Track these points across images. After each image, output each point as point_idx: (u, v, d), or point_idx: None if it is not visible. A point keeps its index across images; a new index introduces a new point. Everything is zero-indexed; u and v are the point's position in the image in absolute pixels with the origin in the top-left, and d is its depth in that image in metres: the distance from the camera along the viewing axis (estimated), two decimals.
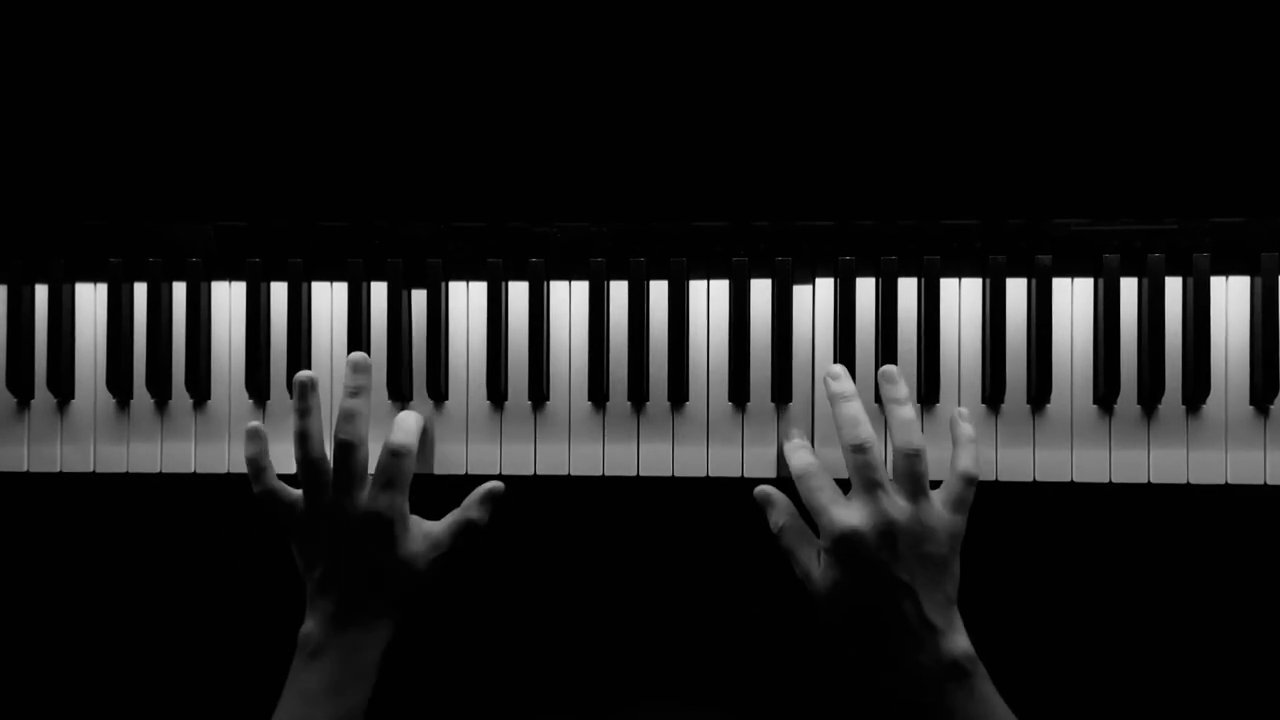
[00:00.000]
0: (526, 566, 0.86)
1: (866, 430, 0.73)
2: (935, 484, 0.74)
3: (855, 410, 0.74)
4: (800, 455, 0.76)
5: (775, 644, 0.85)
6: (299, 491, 0.76)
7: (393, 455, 0.75)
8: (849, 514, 0.71)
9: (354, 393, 0.76)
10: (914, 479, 0.72)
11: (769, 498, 0.76)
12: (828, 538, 0.71)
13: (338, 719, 0.72)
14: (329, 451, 0.76)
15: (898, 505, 0.71)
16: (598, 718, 0.85)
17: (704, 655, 0.85)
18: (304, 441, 0.75)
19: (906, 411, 0.73)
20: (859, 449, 0.72)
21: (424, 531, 0.76)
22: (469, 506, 0.78)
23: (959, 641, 0.70)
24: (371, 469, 0.76)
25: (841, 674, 0.84)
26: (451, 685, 0.86)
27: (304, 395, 0.75)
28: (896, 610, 0.70)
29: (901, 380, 0.75)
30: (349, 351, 0.80)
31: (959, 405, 0.79)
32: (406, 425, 0.77)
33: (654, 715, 0.85)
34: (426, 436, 0.80)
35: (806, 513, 0.74)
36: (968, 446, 0.75)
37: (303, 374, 0.76)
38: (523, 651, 0.86)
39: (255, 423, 0.78)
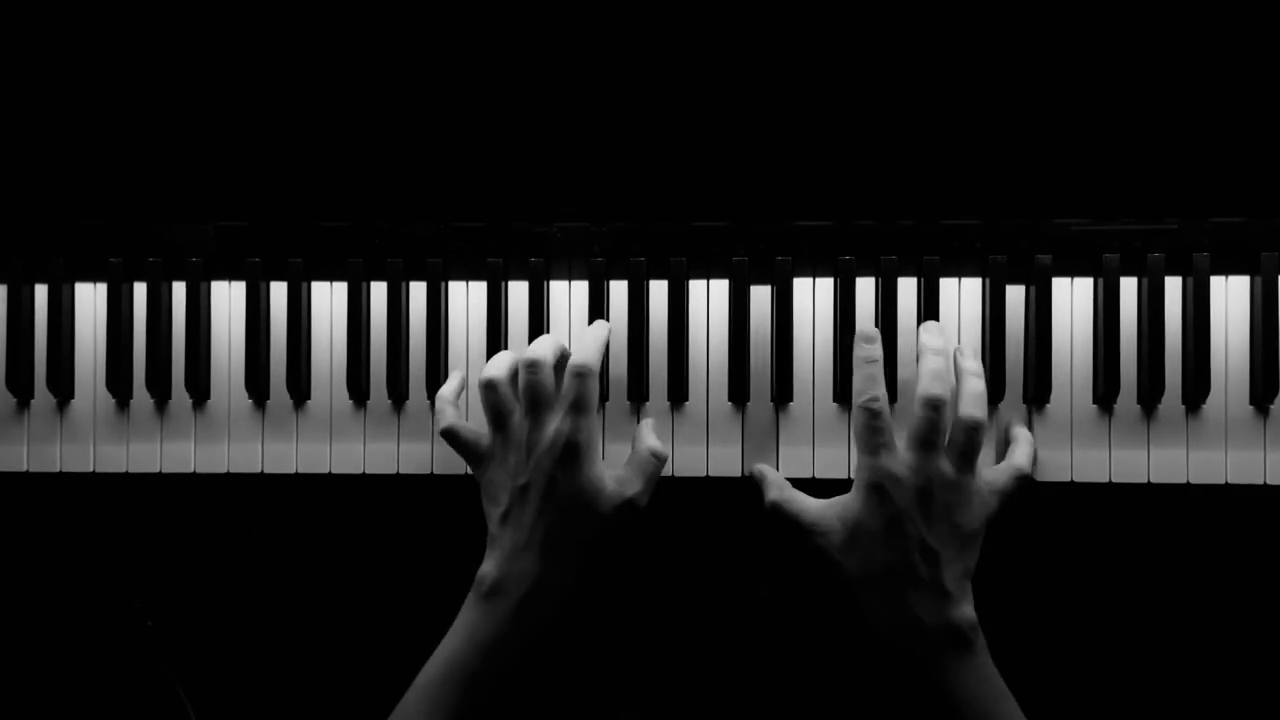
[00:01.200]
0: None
1: (944, 389, 0.71)
2: None
3: (940, 366, 0.72)
4: (873, 380, 0.72)
5: (775, 643, 0.85)
6: (480, 429, 0.75)
7: (577, 376, 0.72)
8: (895, 462, 0.70)
9: (543, 338, 0.75)
10: (968, 450, 0.71)
11: (761, 474, 0.76)
12: (866, 477, 0.70)
13: (499, 667, 0.70)
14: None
15: (944, 470, 0.70)
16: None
17: (703, 655, 0.85)
18: (493, 367, 0.74)
19: (979, 385, 0.73)
20: (933, 405, 0.70)
21: (613, 475, 0.73)
22: (643, 438, 0.75)
23: (966, 610, 0.70)
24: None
25: (842, 673, 0.84)
26: None
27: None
28: (913, 568, 0.69)
29: (978, 356, 0.76)
30: (348, 351, 0.80)
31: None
32: (590, 344, 0.74)
33: None
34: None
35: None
36: (1025, 445, 0.75)
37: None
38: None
39: (458, 371, 0.79)
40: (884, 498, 0.70)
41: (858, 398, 0.72)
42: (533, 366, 0.72)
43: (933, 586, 0.69)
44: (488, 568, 0.72)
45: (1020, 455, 0.75)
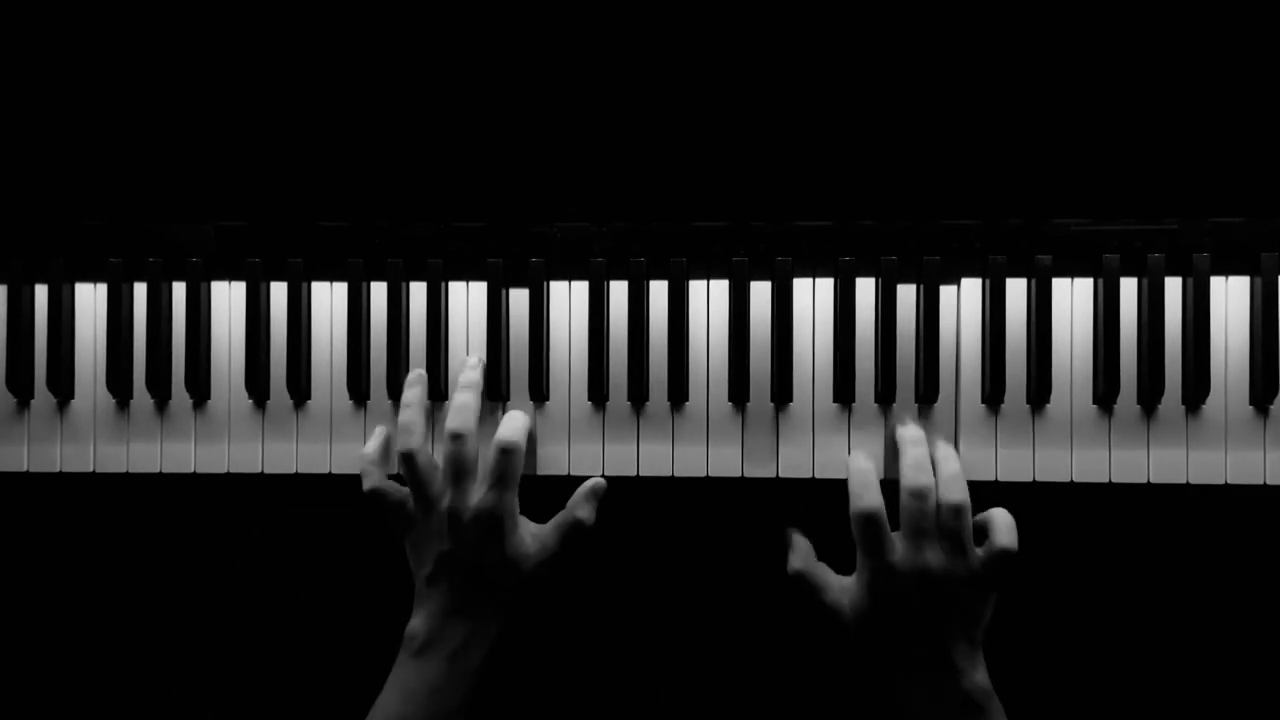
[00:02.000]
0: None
1: (929, 478, 0.73)
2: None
3: (921, 457, 0.74)
4: (870, 488, 0.74)
5: (775, 643, 0.85)
6: (406, 489, 0.76)
7: (503, 452, 0.74)
8: (895, 556, 0.72)
9: (466, 386, 0.76)
10: (956, 534, 0.72)
11: (791, 541, 0.77)
12: (867, 570, 0.72)
13: (436, 718, 0.72)
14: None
15: (938, 558, 0.72)
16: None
17: (702, 654, 0.85)
18: (408, 437, 0.76)
19: (955, 466, 0.74)
20: (918, 494, 0.72)
21: (531, 533, 0.76)
22: (574, 506, 0.77)
23: (977, 678, 0.71)
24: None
25: (846, 688, 0.84)
26: None
27: (412, 386, 0.78)
28: (920, 648, 0.72)
29: (950, 444, 0.77)
30: (348, 351, 0.80)
31: (957, 405, 0.79)
32: (514, 423, 0.76)
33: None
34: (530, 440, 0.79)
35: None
36: (1002, 518, 0.74)
37: (415, 371, 0.78)
38: (523, 646, 0.86)
39: (382, 427, 0.80)
40: (886, 591, 0.72)
41: (855, 504, 0.73)
42: (457, 438, 0.74)
43: (942, 662, 0.71)
44: (417, 625, 0.74)
45: (1000, 535, 0.73)
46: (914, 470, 0.73)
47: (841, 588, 0.74)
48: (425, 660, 0.73)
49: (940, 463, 0.75)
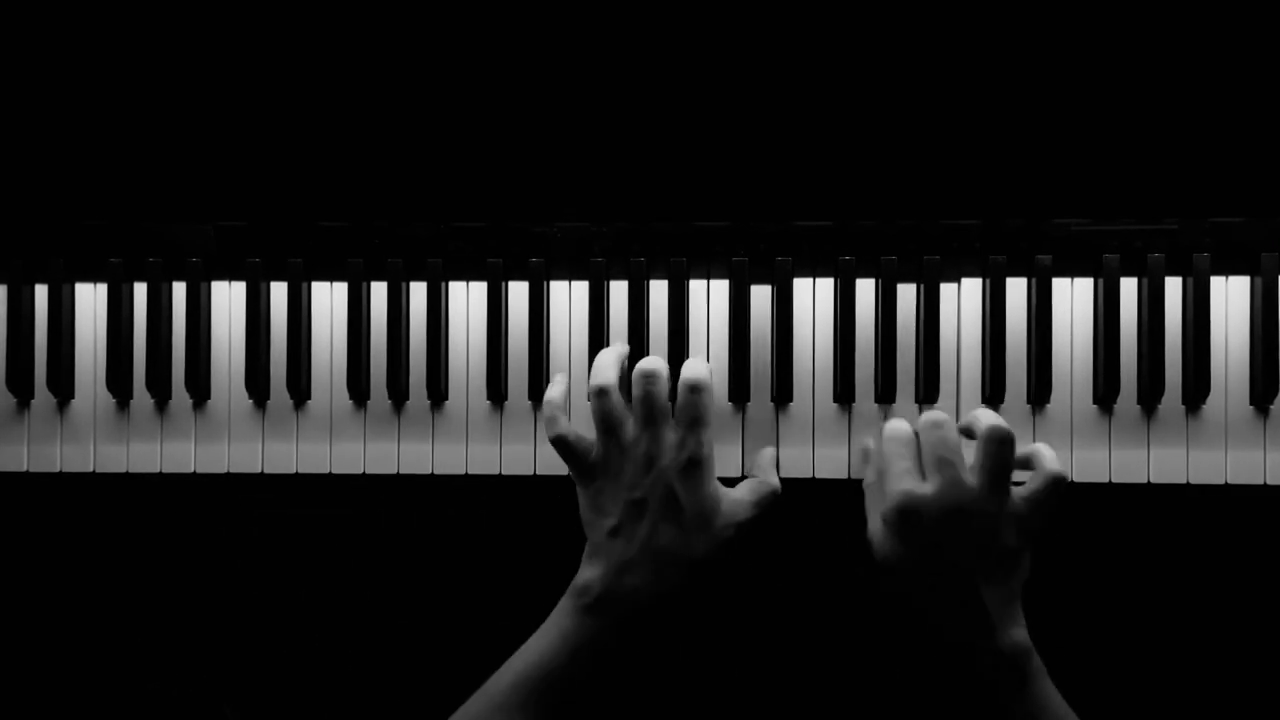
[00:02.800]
0: (525, 566, 0.86)
1: (944, 414, 0.69)
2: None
3: (940, 418, 0.70)
4: (897, 422, 0.71)
5: (776, 643, 0.85)
6: (591, 438, 0.73)
7: (691, 391, 0.71)
8: (915, 486, 0.68)
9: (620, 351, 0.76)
10: (999, 468, 0.67)
11: (868, 453, 0.74)
12: (892, 505, 0.68)
13: (596, 682, 0.68)
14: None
15: (969, 488, 0.67)
16: None
17: (707, 656, 0.85)
18: (603, 373, 0.72)
19: (990, 412, 0.71)
20: (935, 425, 0.69)
21: (725, 492, 0.72)
22: (764, 472, 0.75)
23: (1016, 635, 0.66)
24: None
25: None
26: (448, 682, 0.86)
27: (614, 342, 0.77)
28: (951, 595, 0.67)
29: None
30: (348, 351, 0.80)
31: (958, 405, 0.79)
32: (697, 363, 0.73)
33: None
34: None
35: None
36: (1047, 453, 0.71)
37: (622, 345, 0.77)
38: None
39: (562, 374, 0.78)
40: (912, 525, 0.67)
41: (926, 417, 0.69)
42: (650, 378, 0.71)
43: (973, 612, 0.66)
44: (591, 578, 0.70)
45: (1047, 461, 0.70)
46: (929, 416, 0.69)
47: (876, 520, 0.69)
48: (596, 617, 0.69)
49: (978, 413, 0.71)
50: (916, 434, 0.70)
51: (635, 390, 0.72)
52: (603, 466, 0.72)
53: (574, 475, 0.74)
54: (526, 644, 0.70)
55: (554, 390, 0.76)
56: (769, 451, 0.77)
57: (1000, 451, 0.67)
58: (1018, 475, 0.70)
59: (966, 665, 0.67)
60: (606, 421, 0.72)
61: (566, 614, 0.70)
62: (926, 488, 0.67)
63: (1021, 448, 0.71)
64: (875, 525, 0.69)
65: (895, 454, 0.69)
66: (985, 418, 0.69)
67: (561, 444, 0.73)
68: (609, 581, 0.69)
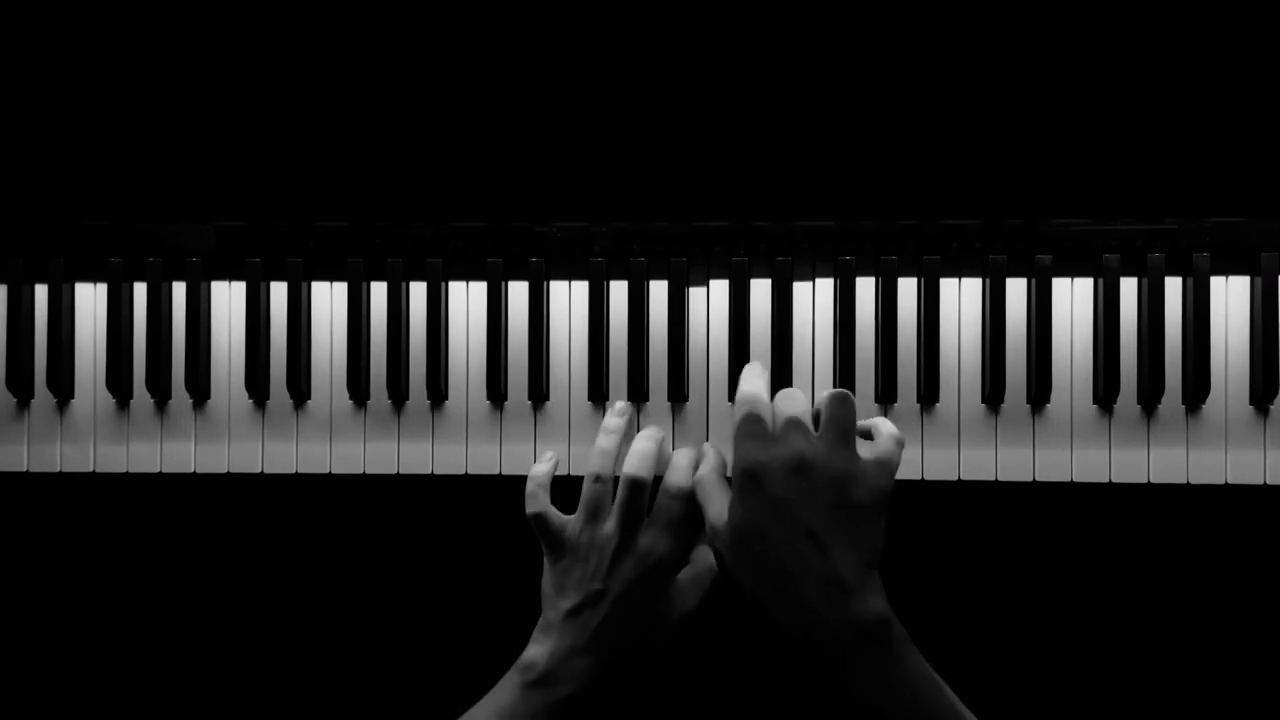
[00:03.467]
0: (525, 565, 0.86)
1: (795, 389, 0.73)
2: None
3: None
4: (752, 379, 0.73)
5: (773, 643, 0.85)
6: (569, 517, 0.75)
7: (672, 499, 0.73)
8: (763, 446, 0.69)
9: (650, 437, 0.76)
10: (839, 422, 0.69)
11: (704, 452, 0.75)
12: (739, 466, 0.69)
13: None
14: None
15: (815, 446, 0.68)
16: None
17: (701, 652, 0.85)
18: (602, 461, 0.74)
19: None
20: (786, 396, 0.71)
21: (677, 587, 0.74)
22: (704, 553, 0.75)
23: (871, 603, 0.65)
24: None
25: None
26: (448, 679, 0.86)
27: (620, 416, 0.77)
28: (801, 559, 0.66)
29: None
30: (348, 351, 0.80)
31: (958, 405, 0.79)
32: (681, 466, 0.74)
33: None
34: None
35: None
36: (884, 423, 0.72)
37: (621, 403, 0.78)
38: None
39: (552, 452, 0.79)
40: (758, 484, 0.67)
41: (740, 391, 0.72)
42: (636, 487, 0.73)
43: (826, 577, 0.65)
44: (538, 655, 0.71)
45: (885, 425, 0.72)
46: (782, 390, 0.72)
47: (720, 505, 0.70)
48: (538, 693, 0.70)
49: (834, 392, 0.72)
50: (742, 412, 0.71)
51: (620, 492, 0.73)
52: (573, 548, 0.74)
53: (545, 550, 0.75)
54: (468, 714, 0.72)
55: (540, 467, 0.77)
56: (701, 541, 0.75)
57: (841, 409, 0.69)
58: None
59: (824, 634, 0.65)
60: (594, 507, 0.74)
61: (509, 689, 0.72)
62: (773, 448, 0.68)
63: (863, 422, 0.73)
64: (717, 509, 0.70)
65: (750, 421, 0.70)
66: (829, 391, 0.71)
67: (539, 521, 0.75)
68: (556, 662, 0.71)
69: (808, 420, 0.70)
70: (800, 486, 0.67)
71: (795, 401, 0.71)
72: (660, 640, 0.73)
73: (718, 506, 0.70)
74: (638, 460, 0.74)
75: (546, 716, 0.70)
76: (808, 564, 0.66)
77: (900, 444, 0.71)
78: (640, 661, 0.73)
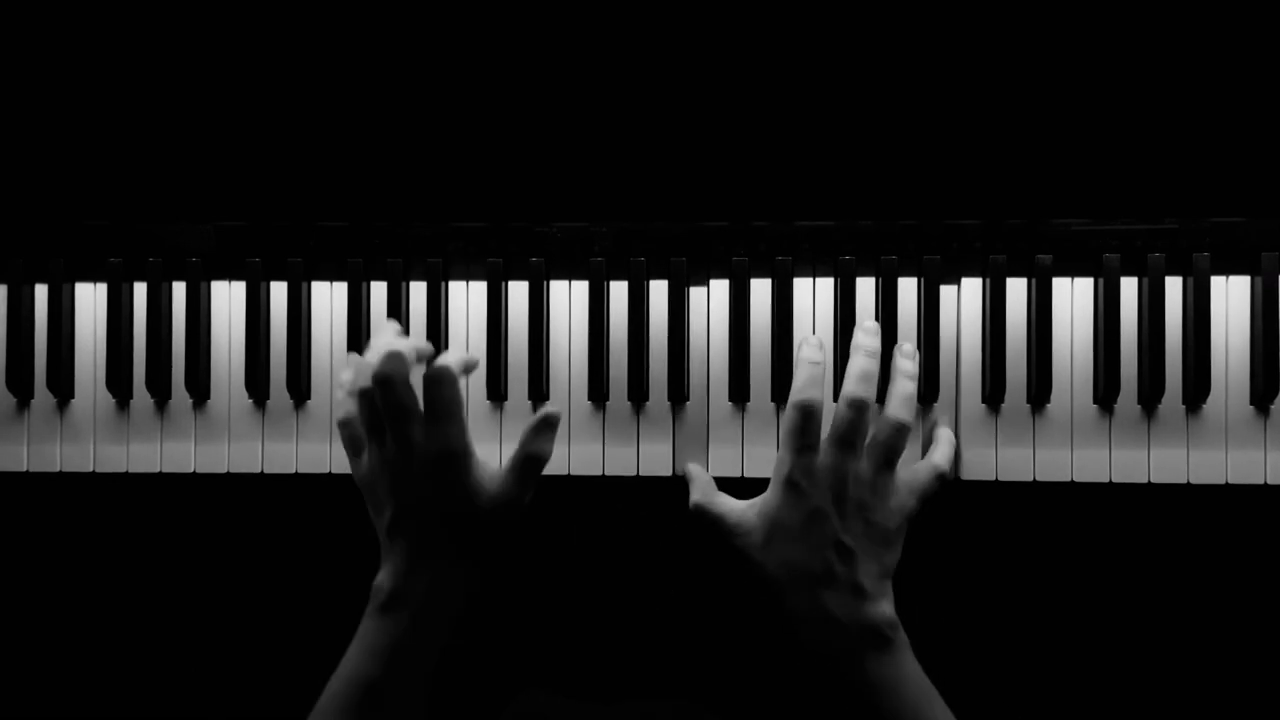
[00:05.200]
0: (525, 565, 0.86)
1: (870, 392, 0.72)
2: None
3: (870, 368, 0.72)
4: (813, 380, 0.73)
5: (772, 635, 0.85)
6: (363, 433, 0.72)
7: (430, 384, 0.70)
8: (816, 460, 0.71)
9: (388, 337, 0.74)
10: (889, 451, 0.71)
11: (689, 474, 0.76)
12: (783, 474, 0.71)
13: (402, 676, 0.69)
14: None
15: (861, 469, 0.71)
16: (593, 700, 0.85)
17: (702, 653, 0.85)
18: (360, 377, 0.71)
19: (911, 387, 0.73)
20: (855, 404, 0.71)
21: (489, 473, 0.72)
22: (526, 440, 0.72)
23: (883, 607, 0.69)
24: None
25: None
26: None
27: (382, 335, 0.74)
28: (828, 566, 0.69)
29: (915, 360, 0.75)
30: (348, 350, 0.80)
31: (957, 405, 0.79)
32: (446, 355, 0.72)
33: (650, 706, 0.85)
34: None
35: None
36: (946, 446, 0.76)
37: (389, 324, 0.76)
38: (520, 640, 0.86)
39: (354, 353, 0.76)
40: (800, 494, 0.70)
41: (794, 395, 0.72)
42: (385, 383, 0.69)
43: (849, 584, 0.69)
44: (382, 579, 0.70)
45: (940, 455, 0.75)
46: (857, 381, 0.72)
47: (745, 506, 0.72)
48: (390, 616, 0.69)
49: (896, 378, 0.74)
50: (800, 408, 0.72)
51: (376, 397, 0.70)
52: (372, 465, 0.72)
53: (354, 474, 0.73)
54: (342, 659, 0.70)
55: (346, 374, 0.74)
56: (543, 413, 0.72)
57: (893, 438, 0.71)
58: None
59: (835, 634, 0.68)
60: (370, 423, 0.71)
61: (367, 617, 0.70)
62: (820, 462, 0.70)
63: (939, 428, 0.77)
64: (742, 514, 0.72)
65: (802, 429, 0.71)
66: (894, 403, 0.72)
67: (345, 426, 0.73)
68: (397, 580, 0.70)
69: (862, 443, 0.71)
70: (838, 503, 0.70)
71: (857, 425, 0.71)
72: (484, 531, 0.71)
73: (736, 512, 0.73)
74: (383, 361, 0.70)
75: (406, 637, 0.69)
76: (833, 572, 0.69)
77: (941, 478, 0.73)
78: (481, 556, 0.71)
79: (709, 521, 0.73)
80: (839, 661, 0.68)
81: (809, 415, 0.71)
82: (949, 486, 0.75)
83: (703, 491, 0.75)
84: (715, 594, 0.85)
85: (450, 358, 0.72)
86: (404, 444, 0.70)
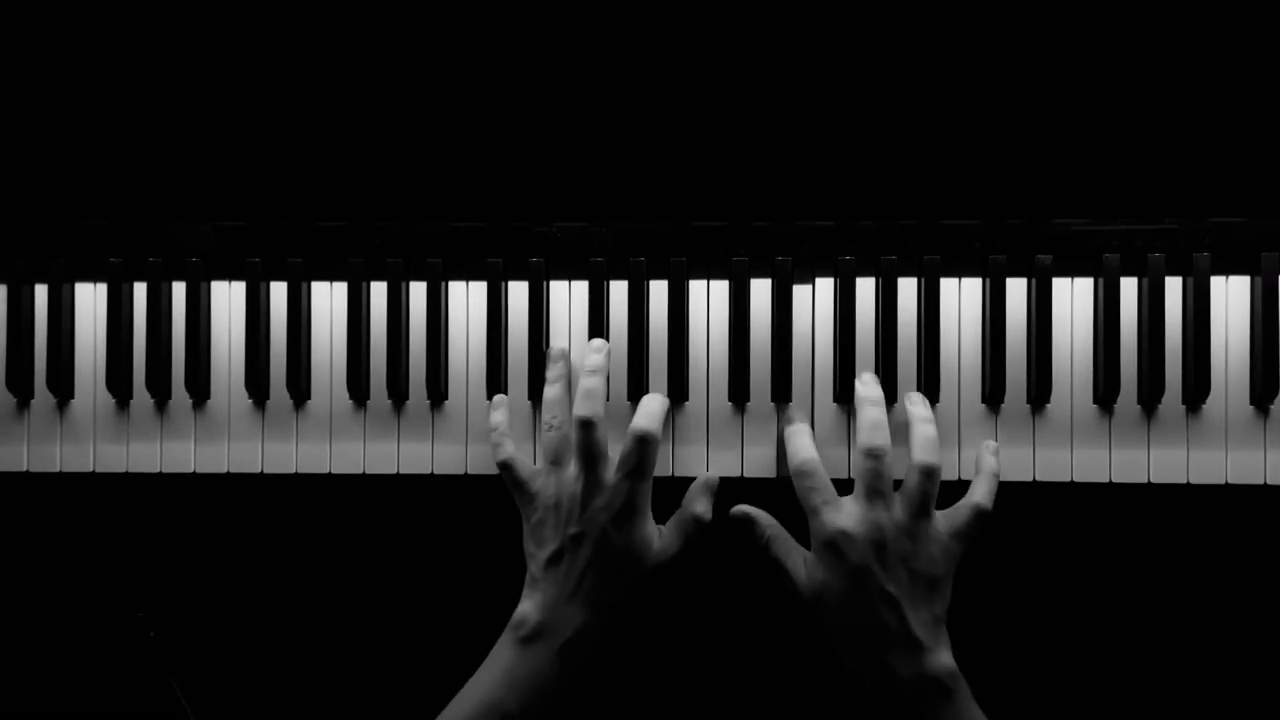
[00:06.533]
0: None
1: (884, 438, 0.73)
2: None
3: (879, 416, 0.74)
4: (801, 445, 0.75)
5: (774, 644, 0.85)
6: (538, 465, 0.76)
7: (639, 441, 0.73)
8: (842, 517, 0.71)
9: (594, 371, 0.76)
10: (922, 496, 0.72)
11: (748, 515, 0.76)
12: (818, 538, 0.72)
13: (535, 709, 0.70)
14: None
15: (895, 517, 0.71)
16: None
17: (701, 653, 0.85)
18: (552, 410, 0.75)
19: (931, 430, 0.74)
20: (872, 454, 0.72)
21: (655, 529, 0.75)
22: (691, 501, 0.76)
23: (942, 658, 0.70)
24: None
25: (828, 686, 0.84)
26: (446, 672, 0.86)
27: (555, 363, 0.77)
28: (879, 619, 0.70)
29: (927, 404, 0.76)
30: (348, 351, 0.80)
31: (958, 404, 0.79)
32: (652, 410, 0.75)
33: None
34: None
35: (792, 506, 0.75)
36: (988, 480, 0.75)
37: (556, 346, 0.78)
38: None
39: (501, 395, 0.79)
40: (839, 555, 0.70)
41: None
42: (586, 425, 0.73)
43: (902, 638, 0.69)
44: (529, 611, 0.73)
45: (979, 491, 0.74)
46: (870, 430, 0.73)
47: (798, 564, 0.73)
48: (533, 648, 0.71)
49: (915, 424, 0.74)
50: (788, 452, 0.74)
51: (574, 434, 0.74)
52: (544, 497, 0.74)
53: (519, 504, 0.76)
54: (473, 677, 0.72)
55: (498, 414, 0.78)
56: (705, 479, 0.77)
57: (924, 484, 0.72)
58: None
59: (895, 688, 0.69)
60: (553, 454, 0.75)
61: (506, 646, 0.73)
62: (851, 519, 0.71)
63: (983, 457, 0.76)
64: (796, 564, 0.73)
65: (812, 487, 0.73)
66: (918, 447, 0.73)
67: (507, 469, 0.76)
68: (545, 614, 0.72)
69: (891, 492, 0.72)
70: (879, 556, 0.70)
71: (880, 473, 0.72)
72: (643, 580, 0.73)
73: (795, 560, 0.73)
74: (584, 400, 0.74)
75: (546, 669, 0.71)
76: (886, 626, 0.70)
77: (984, 516, 0.73)
78: (627, 604, 0.73)
79: (771, 562, 0.74)
80: (900, 714, 0.69)
81: (810, 475, 0.73)
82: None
83: (772, 526, 0.75)
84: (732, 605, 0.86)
85: (658, 411, 0.75)
86: (593, 486, 0.73)
